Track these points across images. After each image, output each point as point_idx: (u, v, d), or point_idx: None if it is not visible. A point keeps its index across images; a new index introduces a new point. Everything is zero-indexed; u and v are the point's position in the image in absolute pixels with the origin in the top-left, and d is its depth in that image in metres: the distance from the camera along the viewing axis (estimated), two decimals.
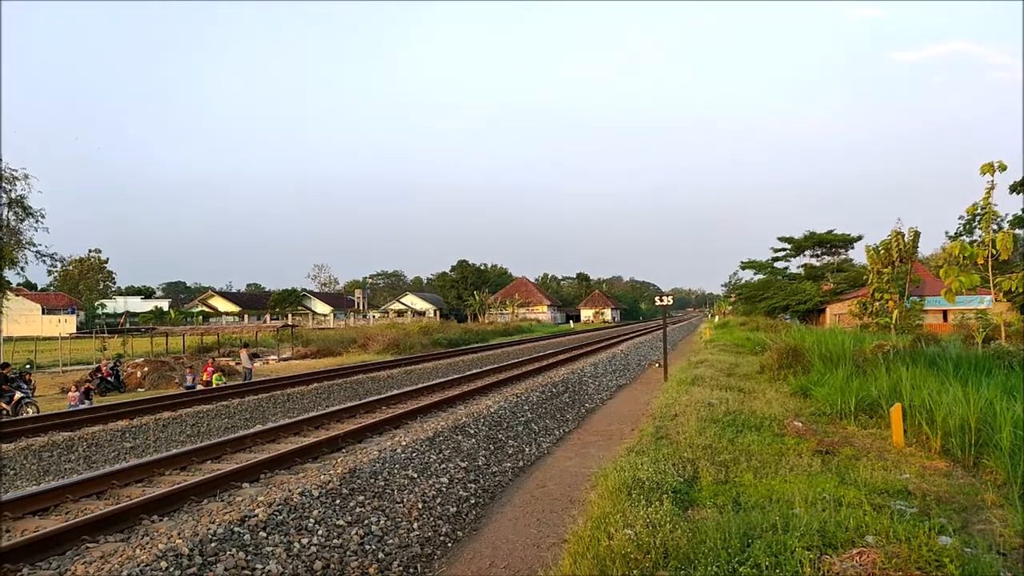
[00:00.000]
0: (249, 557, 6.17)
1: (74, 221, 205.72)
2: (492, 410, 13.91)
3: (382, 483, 8.70)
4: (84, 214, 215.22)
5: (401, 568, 6.92)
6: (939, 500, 7.53)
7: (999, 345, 17.78)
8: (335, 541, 6.94)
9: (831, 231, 72.16)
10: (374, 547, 7.12)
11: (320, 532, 7.00)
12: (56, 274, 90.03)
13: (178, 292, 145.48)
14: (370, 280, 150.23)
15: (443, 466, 10.02)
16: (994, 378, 12.59)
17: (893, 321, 23.85)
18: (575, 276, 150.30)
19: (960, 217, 67.74)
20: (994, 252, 15.07)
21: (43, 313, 74.69)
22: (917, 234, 29.01)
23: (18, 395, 18.44)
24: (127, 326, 67.96)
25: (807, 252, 74.58)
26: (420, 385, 18.97)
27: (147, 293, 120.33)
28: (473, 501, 9.28)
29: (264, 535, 6.59)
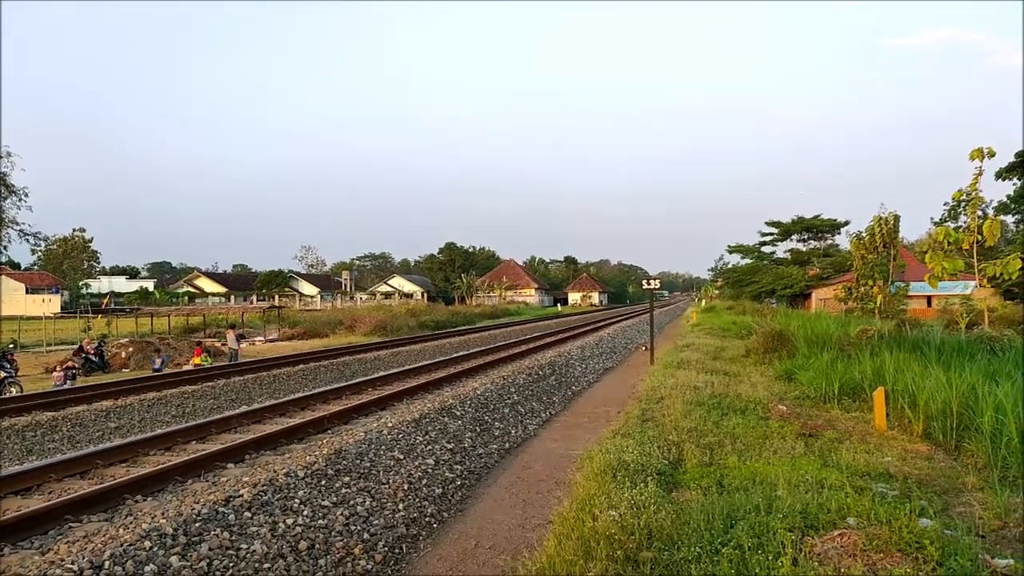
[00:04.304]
0: (234, 537, 6.15)
1: (59, 201, 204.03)
2: (478, 392, 13.92)
3: (368, 464, 8.70)
4: (69, 194, 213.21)
5: (386, 548, 6.93)
6: (920, 483, 7.60)
7: (982, 330, 17.94)
8: (320, 521, 6.94)
9: (818, 216, 72.49)
10: (359, 527, 7.12)
11: (305, 513, 6.99)
12: (40, 253, 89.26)
13: (163, 272, 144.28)
14: (357, 262, 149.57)
15: (429, 447, 10.03)
16: (977, 363, 12.70)
17: (878, 306, 24.02)
18: (563, 259, 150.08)
19: (945, 203, 68.35)
20: (979, 238, 15.15)
21: (27, 292, 73.90)
22: (897, 218, 29.23)
23: (1, 375, 18.29)
24: (112, 306, 67.45)
25: (794, 237, 74.92)
26: (407, 367, 18.95)
27: (132, 273, 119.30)
28: (459, 482, 9.29)
29: (249, 515, 6.57)
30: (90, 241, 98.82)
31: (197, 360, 23.86)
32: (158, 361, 24.87)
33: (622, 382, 19.61)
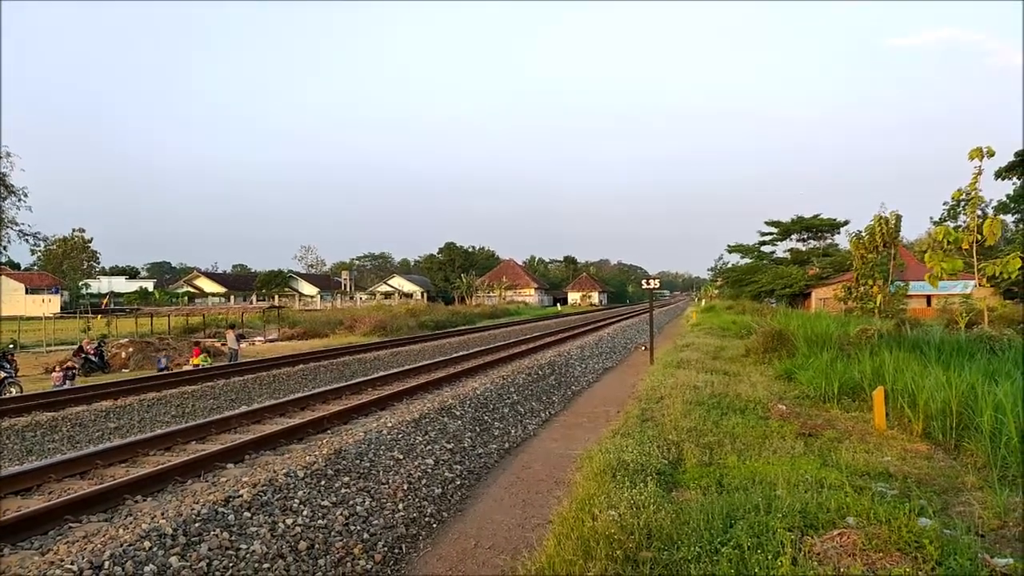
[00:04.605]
0: (233, 537, 6.16)
1: (59, 201, 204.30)
2: (478, 392, 13.92)
3: (367, 464, 8.70)
4: (69, 195, 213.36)
5: (386, 548, 6.93)
6: (920, 482, 7.60)
7: (982, 329, 17.94)
8: (320, 522, 6.94)
9: (817, 216, 72.52)
10: (359, 527, 7.13)
11: (305, 513, 6.99)
12: (39, 253, 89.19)
13: (163, 273, 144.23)
14: (357, 262, 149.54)
15: (429, 447, 10.03)
16: (976, 362, 12.70)
17: (877, 305, 24.03)
18: (562, 259, 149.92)
19: (945, 203, 68.30)
20: (979, 237, 15.15)
21: (26, 293, 73.89)
22: (899, 218, 29.25)
23: (1, 375, 18.28)
24: (111, 306, 67.43)
25: (794, 236, 74.95)
26: (407, 367, 18.94)
27: (132, 273, 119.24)
28: (459, 482, 9.29)
29: (249, 515, 6.57)
30: (90, 241, 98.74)
31: (196, 360, 23.82)
32: (164, 360, 24.88)
33: (622, 382, 19.61)
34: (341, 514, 7.23)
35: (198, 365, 22.85)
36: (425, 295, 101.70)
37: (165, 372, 22.43)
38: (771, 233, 75.66)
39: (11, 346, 27.42)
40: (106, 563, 5.26)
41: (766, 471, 7.62)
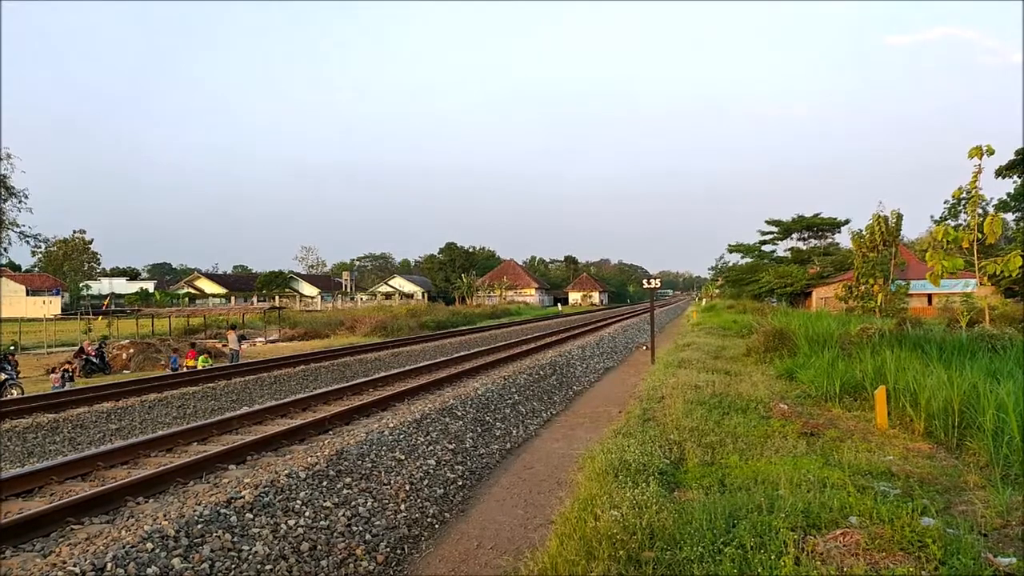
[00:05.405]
0: (235, 539, 6.15)
1: (59, 202, 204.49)
2: (479, 392, 13.91)
3: (369, 465, 8.69)
4: (69, 195, 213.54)
5: (388, 549, 6.93)
6: (922, 482, 7.59)
7: (983, 328, 17.93)
8: (322, 523, 6.93)
9: (818, 214, 72.54)
10: (361, 528, 7.12)
11: (307, 514, 6.98)
12: (40, 255, 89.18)
13: (164, 274, 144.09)
14: (358, 262, 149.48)
15: (430, 448, 10.02)
16: (978, 361, 12.69)
17: (878, 304, 24.02)
18: (563, 259, 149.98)
19: (945, 201, 68.25)
20: (980, 236, 15.14)
21: (27, 294, 73.84)
22: (900, 217, 29.22)
23: (2, 376, 18.30)
24: (112, 308, 67.42)
25: (794, 235, 75.00)
26: (408, 367, 18.94)
27: (132, 275, 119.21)
28: (460, 483, 9.29)
29: (251, 517, 6.57)
30: (90, 242, 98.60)
31: (191, 363, 23.77)
32: (179, 361, 24.97)
33: (623, 382, 19.60)
34: (343, 515, 7.22)
35: (193, 367, 22.82)
36: (426, 295, 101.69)
37: (166, 373, 22.42)
38: (772, 232, 75.75)
39: (12, 348, 27.43)
40: (108, 565, 5.25)
41: (768, 471, 7.62)
